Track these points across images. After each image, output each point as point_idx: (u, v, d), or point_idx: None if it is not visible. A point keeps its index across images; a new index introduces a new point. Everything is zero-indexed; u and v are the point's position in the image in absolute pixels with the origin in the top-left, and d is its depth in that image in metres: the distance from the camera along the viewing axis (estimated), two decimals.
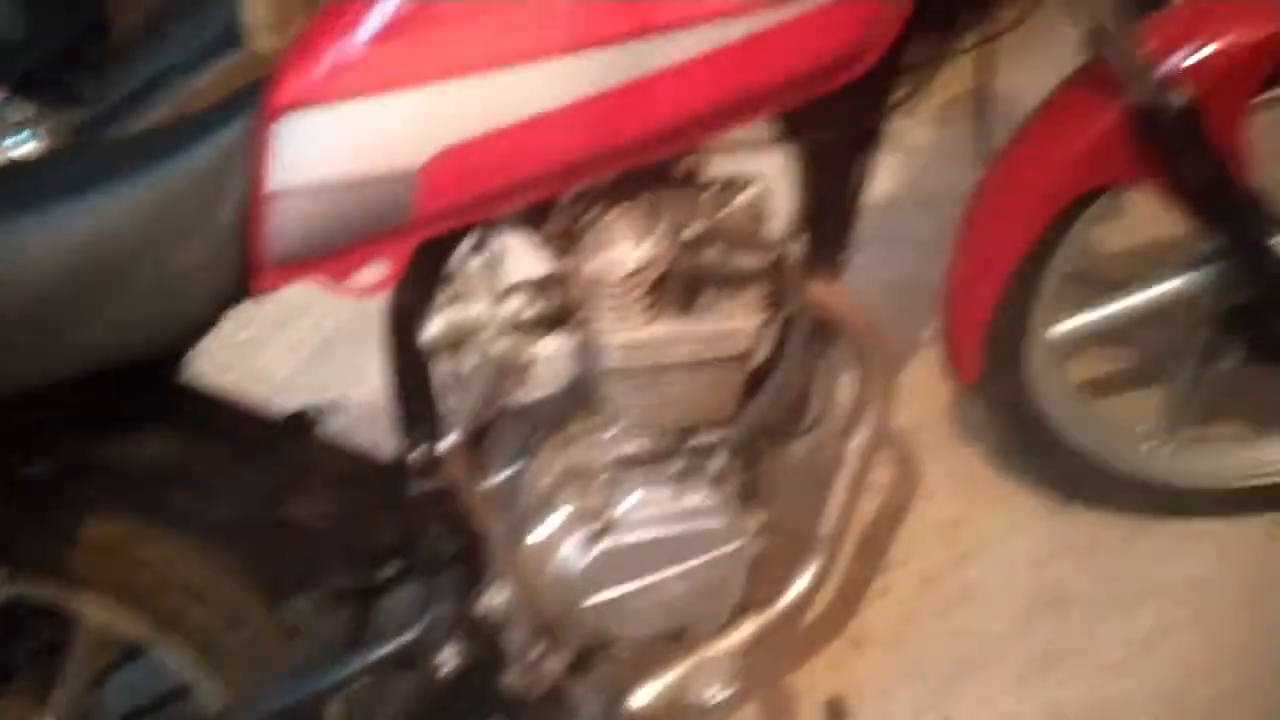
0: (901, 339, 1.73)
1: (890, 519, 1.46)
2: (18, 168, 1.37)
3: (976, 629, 1.32)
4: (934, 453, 1.54)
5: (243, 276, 0.81)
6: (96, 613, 0.96)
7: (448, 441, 0.84)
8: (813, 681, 1.30)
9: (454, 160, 0.78)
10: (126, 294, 0.80)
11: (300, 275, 0.82)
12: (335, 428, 1.04)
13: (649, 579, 0.94)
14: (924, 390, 1.54)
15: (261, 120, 0.77)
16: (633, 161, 0.83)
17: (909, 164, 2.09)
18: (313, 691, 0.99)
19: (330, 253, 0.81)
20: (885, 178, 2.09)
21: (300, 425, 1.04)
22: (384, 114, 0.76)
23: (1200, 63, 0.98)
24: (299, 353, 1.92)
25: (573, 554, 0.93)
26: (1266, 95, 1.00)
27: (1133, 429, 1.31)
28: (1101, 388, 1.48)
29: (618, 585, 0.94)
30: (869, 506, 1.46)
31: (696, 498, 0.95)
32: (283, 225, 0.79)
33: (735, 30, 0.77)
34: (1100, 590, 1.32)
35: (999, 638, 1.30)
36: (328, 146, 0.77)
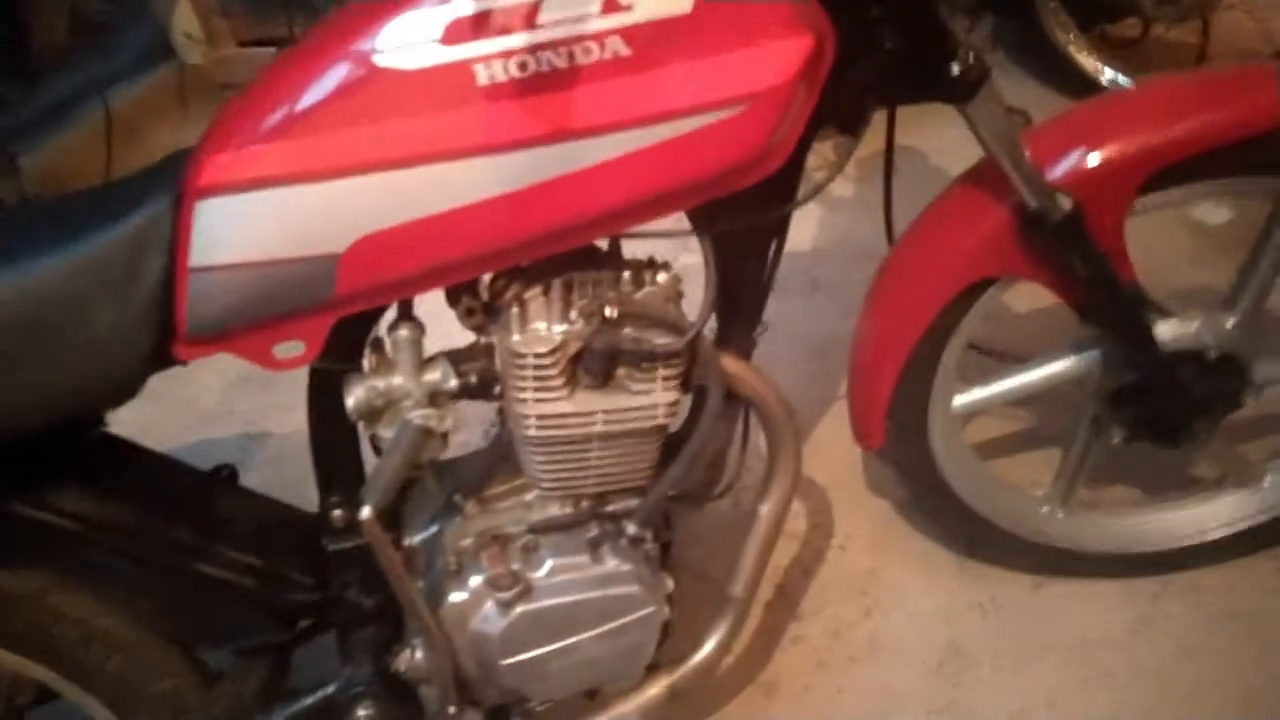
0: (820, 392, 1.80)
1: (804, 570, 1.52)
2: None
3: (883, 680, 1.38)
4: (850, 506, 1.61)
5: (164, 344, 0.84)
6: (9, 660, 0.97)
7: (367, 510, 0.87)
8: None
9: (375, 246, 0.82)
10: (48, 357, 0.83)
11: (220, 348, 0.85)
12: (259, 468, 1.07)
13: (565, 642, 0.98)
14: (841, 446, 1.61)
15: (184, 198, 0.81)
16: (549, 250, 0.88)
17: (830, 216, 2.19)
18: None
19: (250, 328, 0.85)
20: (807, 228, 2.19)
21: (221, 479, 1.07)
22: (305, 202, 0.80)
23: (1083, 170, 1.05)
24: (224, 379, 1.93)
25: (490, 617, 0.97)
26: (1145, 198, 1.08)
27: (1029, 494, 1.39)
28: (1000, 451, 1.57)
29: (534, 648, 0.98)
30: (784, 557, 1.53)
31: (612, 564, 0.99)
32: (202, 300, 0.83)
33: (648, 137, 0.83)
34: (1001, 646, 1.39)
35: (904, 690, 1.36)
36: (247, 230, 0.81)
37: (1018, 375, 1.27)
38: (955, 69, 0.96)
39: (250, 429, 1.82)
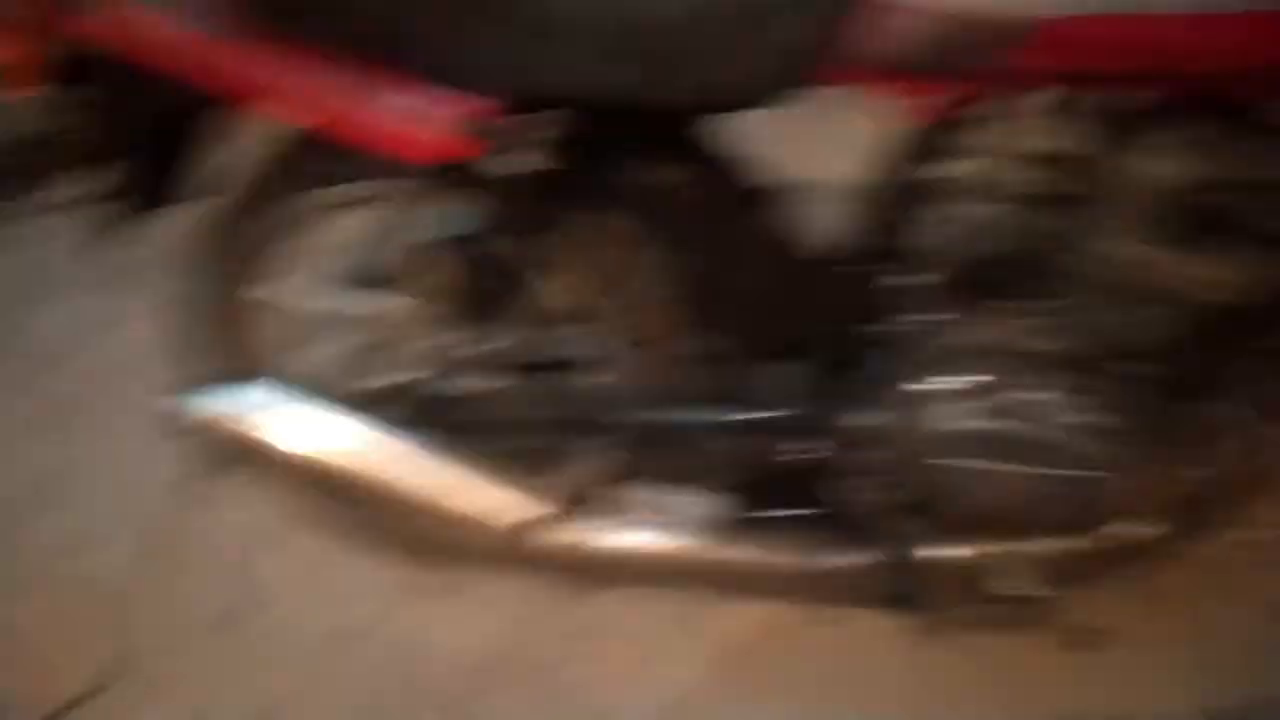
0: None
1: None
2: None
3: None
4: None
5: (820, 65, 0.85)
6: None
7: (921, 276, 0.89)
8: None
9: (1078, 29, 0.77)
10: (738, 49, 0.86)
11: (870, 82, 0.86)
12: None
13: (1010, 467, 1.00)
14: None
15: None
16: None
17: None
18: (684, 422, 1.11)
19: (907, 74, 0.84)
20: None
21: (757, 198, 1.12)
22: None
23: None
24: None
25: (955, 416, 1.01)
26: None
27: None
28: None
29: (981, 462, 1.01)
30: None
31: (1087, 417, 0.98)
32: (880, 33, 0.82)
33: None
34: None
35: None
36: None
37: None
38: None
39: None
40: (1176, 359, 0.97)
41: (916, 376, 1.02)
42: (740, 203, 1.10)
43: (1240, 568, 1.30)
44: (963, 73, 0.84)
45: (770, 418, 1.09)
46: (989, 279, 1.02)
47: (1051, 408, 0.99)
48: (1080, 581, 1.11)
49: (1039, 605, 1.06)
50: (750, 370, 1.11)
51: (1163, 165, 0.87)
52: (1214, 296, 0.91)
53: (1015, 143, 0.92)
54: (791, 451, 1.08)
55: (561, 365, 1.14)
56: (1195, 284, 0.91)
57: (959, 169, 0.94)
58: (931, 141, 0.94)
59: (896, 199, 0.99)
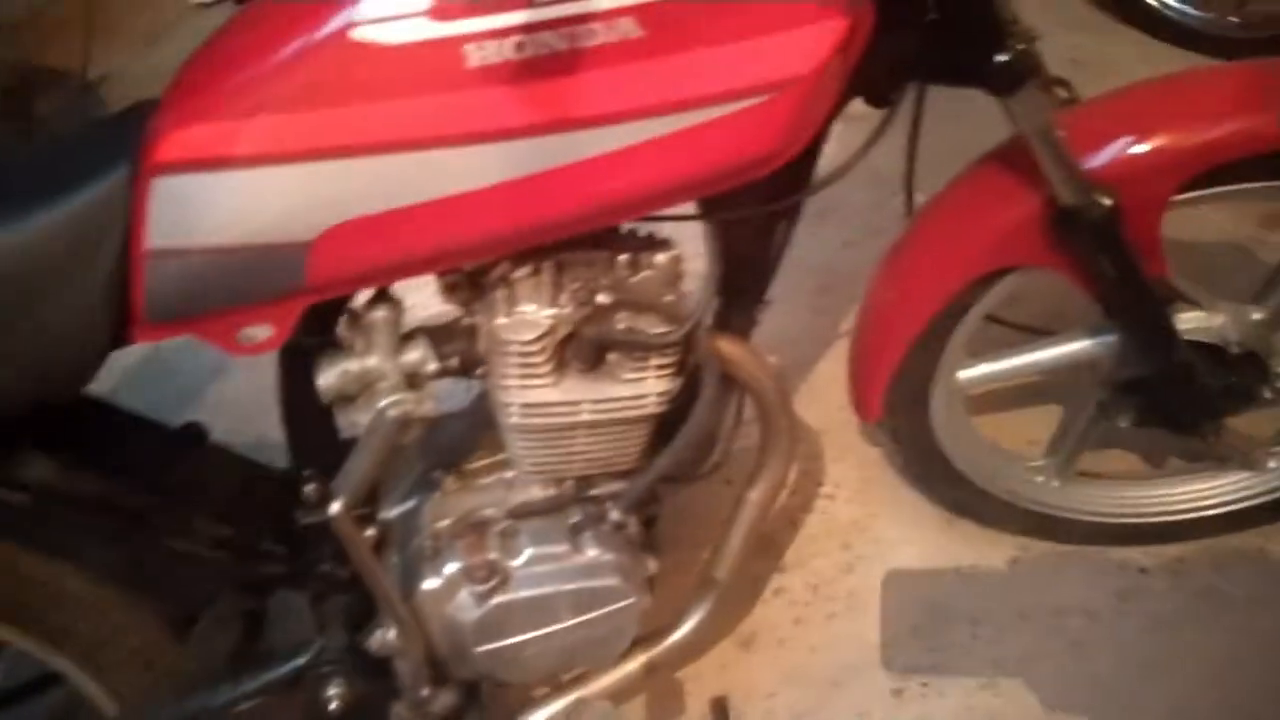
0: (820, 328, 1.75)
1: (790, 518, 1.50)
2: None
3: (859, 639, 1.38)
4: (840, 452, 1.58)
5: (119, 328, 0.78)
6: None
7: (337, 505, 0.83)
8: (699, 679, 1.35)
9: (351, 234, 0.75)
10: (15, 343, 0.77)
11: (181, 331, 0.79)
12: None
13: (541, 631, 0.96)
14: (836, 388, 1.56)
15: (140, 173, 0.73)
16: (539, 242, 0.81)
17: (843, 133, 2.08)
18: (201, 709, 1.00)
19: (213, 313, 0.78)
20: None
21: (190, 436, 1.02)
22: (274, 186, 0.73)
23: (1125, 163, 0.97)
24: None
25: (465, 606, 0.94)
26: (1186, 196, 1.00)
27: (1026, 463, 1.35)
28: (991, 408, 1.52)
29: (510, 636, 0.96)
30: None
31: (593, 553, 0.96)
32: (160, 285, 0.76)
33: (655, 128, 0.75)
34: (979, 610, 1.39)
35: (876, 651, 1.36)
36: (211, 213, 0.74)
37: (1028, 353, 1.22)
38: (1000, 58, 0.86)
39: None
40: None
41: (413, 580, 0.94)
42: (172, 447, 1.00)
43: None
44: (266, 299, 0.78)
45: (299, 667, 0.99)
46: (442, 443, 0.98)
47: (559, 557, 0.96)
48: None
49: None
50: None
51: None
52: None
53: (398, 325, 0.89)
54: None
55: None
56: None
57: (353, 368, 0.88)
58: (305, 349, 0.88)
59: (306, 411, 0.92)
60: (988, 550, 1.44)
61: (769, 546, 1.47)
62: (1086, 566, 1.41)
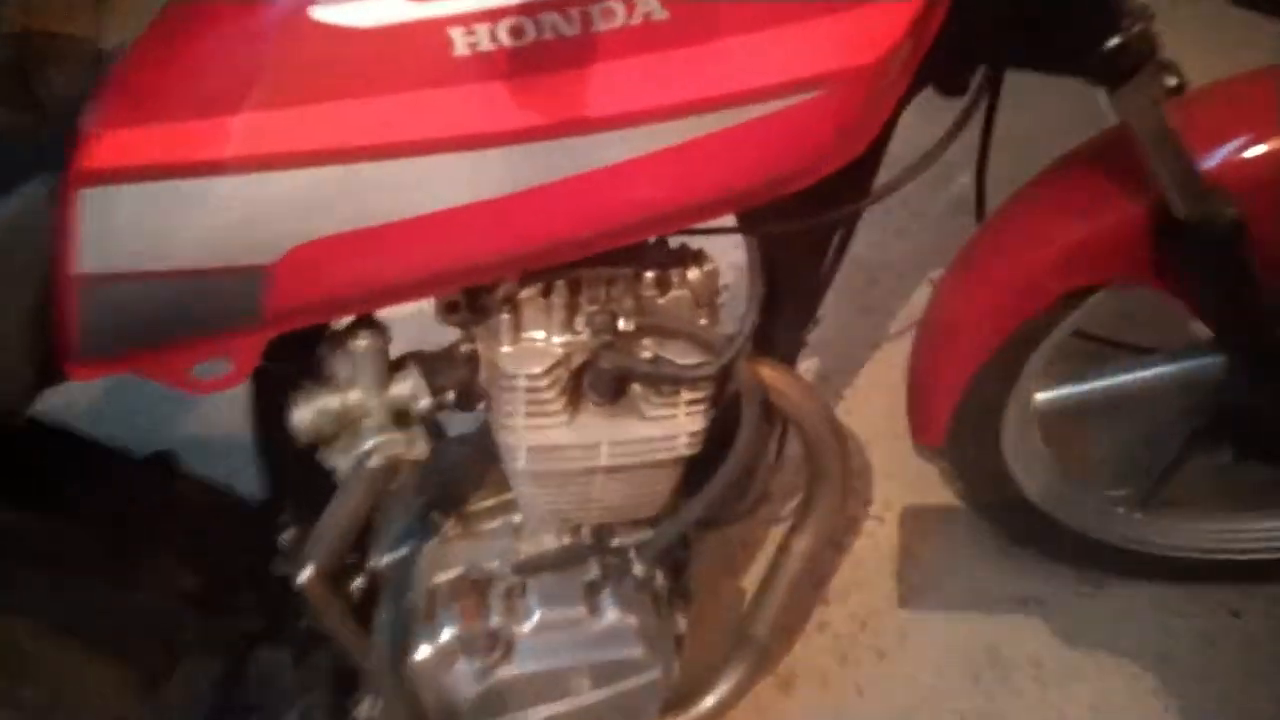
0: (866, 328, 1.61)
1: (837, 543, 1.36)
2: None
3: (913, 678, 1.24)
4: (890, 468, 1.43)
5: (50, 363, 0.66)
6: None
7: (307, 572, 0.70)
8: None
9: (318, 257, 0.62)
10: None
11: (121, 368, 0.67)
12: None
13: (551, 709, 0.83)
14: (885, 394, 1.42)
15: (67, 186, 0.61)
16: (547, 263, 0.68)
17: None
18: None
19: (158, 347, 0.66)
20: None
21: (159, 468, 0.91)
22: (229, 199, 0.60)
23: (1250, 165, 0.81)
24: None
25: (464, 679, 0.81)
26: None
27: (1103, 492, 1.20)
28: (1075, 448, 1.36)
29: (514, 713, 0.83)
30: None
31: (612, 616, 0.83)
32: (94, 315, 0.64)
33: (685, 130, 0.61)
34: (1044, 652, 1.24)
35: (931, 695, 1.22)
36: (150, 232, 0.61)
37: (1119, 374, 1.06)
38: (1113, 42, 0.71)
39: None
40: None
41: (404, 647, 0.82)
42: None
43: None
44: (221, 330, 0.66)
45: None
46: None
47: (571, 624, 0.83)
48: None
49: None
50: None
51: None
52: None
53: (384, 354, 0.76)
54: None
55: None
56: None
57: (331, 405, 0.75)
58: (276, 382, 0.75)
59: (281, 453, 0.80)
60: (1053, 585, 1.29)
61: (812, 574, 1.33)
62: (1165, 607, 1.26)
